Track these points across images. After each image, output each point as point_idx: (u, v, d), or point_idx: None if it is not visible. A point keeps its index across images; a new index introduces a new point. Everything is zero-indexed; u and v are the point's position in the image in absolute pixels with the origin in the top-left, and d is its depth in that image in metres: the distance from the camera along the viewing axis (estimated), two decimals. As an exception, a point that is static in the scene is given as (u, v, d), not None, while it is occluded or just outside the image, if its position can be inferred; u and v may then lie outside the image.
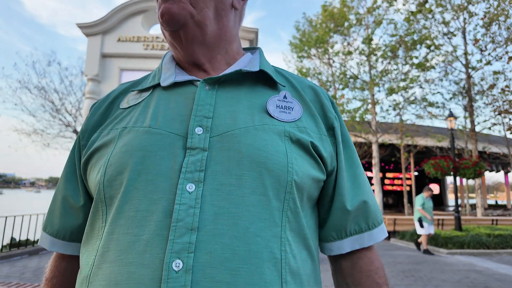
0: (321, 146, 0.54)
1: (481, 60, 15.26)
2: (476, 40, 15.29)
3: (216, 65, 0.59)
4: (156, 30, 9.02)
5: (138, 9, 7.95)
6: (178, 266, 0.40)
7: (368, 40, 16.27)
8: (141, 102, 0.57)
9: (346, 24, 17.12)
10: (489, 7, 14.51)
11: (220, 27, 0.58)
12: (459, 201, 29.22)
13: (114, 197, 0.48)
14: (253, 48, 0.67)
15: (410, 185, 25.47)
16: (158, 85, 0.59)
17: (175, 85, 0.57)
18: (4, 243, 6.82)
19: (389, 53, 16.31)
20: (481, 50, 15.26)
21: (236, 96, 0.54)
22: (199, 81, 0.55)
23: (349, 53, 17.13)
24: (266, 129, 0.50)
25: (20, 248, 6.86)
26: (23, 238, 7.17)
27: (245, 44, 7.79)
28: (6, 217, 6.64)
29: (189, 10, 0.54)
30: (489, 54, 15.06)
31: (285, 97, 0.56)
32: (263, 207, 0.46)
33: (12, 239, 7.06)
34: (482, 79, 15.81)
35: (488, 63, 14.95)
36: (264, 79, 0.58)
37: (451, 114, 10.38)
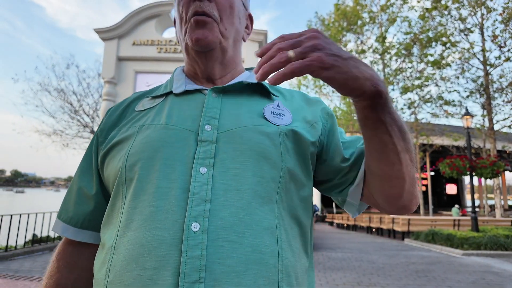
0: (310, 137, 0.64)
1: (499, 57, 14.83)
2: (495, 36, 14.86)
3: (224, 80, 0.71)
4: (169, 33, 9.18)
5: (151, 13, 8.15)
6: (196, 228, 0.49)
7: (381, 38, 16.06)
8: (156, 106, 0.67)
9: (359, 22, 16.94)
10: (508, 2, 14.08)
11: (235, 53, 0.72)
12: (478, 202, 28.46)
13: (135, 179, 0.56)
14: (251, 68, 0.81)
15: (426, 185, 24.98)
16: (171, 93, 0.69)
17: (186, 92, 0.68)
18: (27, 239, 7.13)
19: (403, 51, 16.04)
20: (500, 47, 14.83)
21: (238, 102, 0.65)
22: (207, 89, 0.67)
23: (363, 51, 16.94)
24: (263, 129, 0.60)
25: (41, 244, 7.15)
26: (44, 234, 7.46)
27: (254, 45, 7.86)
28: (28, 214, 6.92)
29: (220, 38, 0.66)
30: (508, 50, 14.62)
31: (278, 105, 0.66)
32: (262, 187, 0.55)
33: (34, 235, 7.36)
34: (501, 76, 15.35)
35: (508, 59, 14.51)
36: (260, 91, 0.69)
37: (467, 113, 10.15)
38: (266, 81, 0.70)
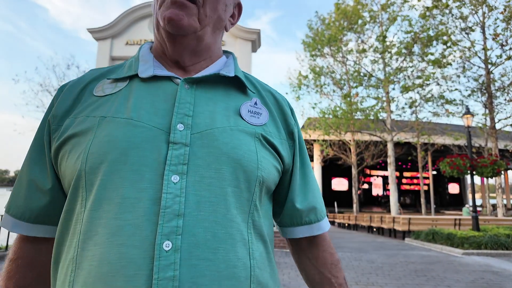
0: (281, 149, 0.61)
1: (501, 56, 14.76)
2: (496, 35, 14.79)
3: (197, 67, 0.64)
4: None
5: (144, 13, 8.22)
6: (168, 246, 0.46)
7: (382, 38, 16.02)
8: (119, 92, 0.59)
9: (360, 21, 16.91)
10: (510, 0, 14.01)
11: (212, 42, 0.64)
12: (481, 201, 28.30)
13: (97, 184, 0.50)
14: (226, 52, 0.74)
15: (428, 185, 24.88)
16: (135, 76, 0.61)
17: (154, 78, 0.60)
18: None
19: (404, 50, 16.00)
20: (502, 45, 14.76)
21: (213, 97, 0.60)
22: (178, 78, 0.60)
23: (363, 50, 16.91)
24: (240, 130, 0.56)
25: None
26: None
27: (247, 44, 7.87)
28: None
29: (195, 26, 0.59)
30: (510, 48, 14.54)
31: (255, 103, 0.62)
32: (236, 198, 0.52)
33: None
34: (503, 75, 15.27)
35: (509, 58, 14.44)
36: (237, 84, 0.64)
37: (468, 112, 10.11)
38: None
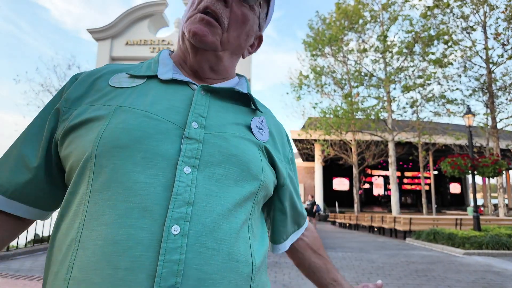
0: (280, 166, 0.67)
1: (502, 55, 14.72)
2: (498, 34, 14.76)
3: (213, 82, 0.68)
4: (162, 33, 9.32)
5: (144, 13, 8.21)
6: (176, 231, 0.47)
7: (383, 37, 16.00)
8: (136, 87, 0.61)
9: (360, 21, 16.89)
10: (511, 0, 13.97)
11: (229, 65, 0.69)
12: (482, 201, 28.24)
13: (108, 167, 0.51)
14: (239, 75, 0.80)
15: (429, 185, 24.83)
16: (155, 77, 0.63)
17: (173, 81, 0.63)
18: (28, 239, 7.18)
19: (405, 50, 15.97)
20: (503, 44, 14.72)
21: (225, 107, 0.63)
22: (195, 84, 0.63)
23: (364, 50, 16.89)
24: (248, 139, 0.60)
25: (43, 243, 7.19)
26: (46, 234, 7.53)
27: None
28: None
29: (217, 46, 0.63)
30: (511, 48, 14.50)
31: (262, 121, 0.67)
32: (241, 197, 0.55)
33: (36, 235, 7.43)
34: (504, 75, 15.24)
35: (511, 57, 14.40)
36: (246, 102, 0.68)
37: (469, 111, 10.09)
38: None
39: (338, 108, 17.03)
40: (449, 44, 15.16)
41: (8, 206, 0.59)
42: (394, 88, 16.64)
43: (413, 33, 15.64)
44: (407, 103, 16.90)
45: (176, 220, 0.48)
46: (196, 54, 0.64)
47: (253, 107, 0.68)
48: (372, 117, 16.59)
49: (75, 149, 0.54)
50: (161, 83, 0.62)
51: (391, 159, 16.27)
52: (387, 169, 25.75)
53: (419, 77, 16.07)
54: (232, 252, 0.50)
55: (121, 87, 0.61)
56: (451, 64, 15.41)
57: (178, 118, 0.56)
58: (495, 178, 11.97)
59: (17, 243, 6.67)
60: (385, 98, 16.62)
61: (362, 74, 17.20)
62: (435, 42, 15.37)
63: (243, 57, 0.74)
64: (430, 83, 16.01)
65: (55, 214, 0.62)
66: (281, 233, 0.74)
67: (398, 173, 30.19)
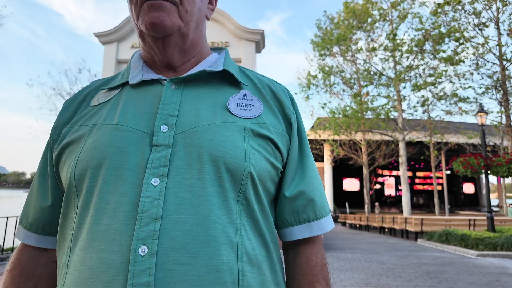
0: (280, 141, 0.58)
1: (516, 51, 14.32)
2: (511, 30, 14.39)
3: (187, 66, 0.63)
4: None
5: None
6: (144, 251, 0.45)
7: (392, 36, 15.80)
8: (111, 99, 0.60)
9: (369, 20, 16.72)
10: (525, -5, 13.62)
11: (197, 35, 0.64)
12: (497, 201, 27.55)
13: (83, 190, 0.51)
14: (220, 49, 0.71)
15: (441, 185, 24.37)
16: (127, 83, 0.62)
17: (143, 83, 0.60)
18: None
19: (415, 48, 15.74)
20: (517, 41, 14.35)
21: (201, 94, 0.58)
22: (165, 79, 0.59)
23: (373, 49, 16.70)
24: (227, 126, 0.54)
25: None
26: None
27: (251, 45, 7.87)
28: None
29: (179, 24, 0.57)
30: (526, 44, 14.12)
31: (245, 95, 0.60)
32: (220, 197, 0.50)
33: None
34: (518, 71, 14.84)
35: (525, 54, 14.03)
36: (228, 79, 0.62)
37: (481, 109, 9.86)
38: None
39: (347, 108, 16.88)
40: (461, 41, 14.86)
41: (45, 242, 0.63)
42: (404, 87, 16.41)
43: (423, 31, 15.39)
44: (417, 102, 16.63)
45: (143, 240, 0.46)
46: (162, 46, 0.60)
47: (239, 82, 0.62)
48: (382, 116, 16.38)
49: (63, 175, 0.56)
50: (133, 88, 0.60)
51: (402, 159, 16.03)
52: (398, 169, 25.36)
53: (430, 75, 15.79)
54: (211, 263, 0.47)
55: (98, 104, 0.61)
56: (463, 61, 15.10)
57: (147, 124, 0.54)
58: (510, 177, 11.67)
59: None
60: (395, 97, 16.40)
61: (372, 73, 17.01)
62: (446, 39, 15.09)
63: (208, 18, 0.68)
64: (442, 81, 15.72)
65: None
66: (279, 216, 0.62)
67: (410, 173, 29.72)
